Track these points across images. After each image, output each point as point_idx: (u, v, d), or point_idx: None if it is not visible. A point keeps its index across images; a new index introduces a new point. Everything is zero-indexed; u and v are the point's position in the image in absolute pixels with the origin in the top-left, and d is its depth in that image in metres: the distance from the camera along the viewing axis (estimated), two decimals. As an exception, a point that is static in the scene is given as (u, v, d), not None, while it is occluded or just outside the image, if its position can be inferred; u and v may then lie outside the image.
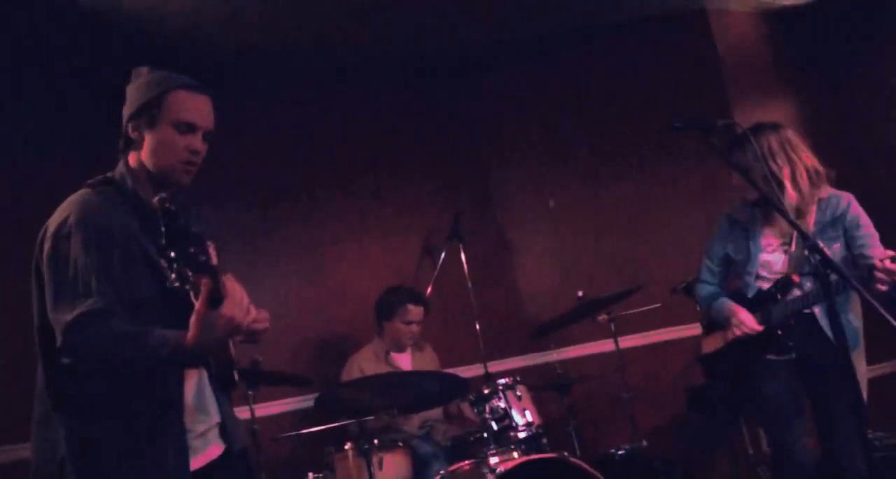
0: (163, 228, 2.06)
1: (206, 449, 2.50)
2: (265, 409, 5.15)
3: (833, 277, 3.06)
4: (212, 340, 2.20)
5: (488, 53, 6.25)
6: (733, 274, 4.02)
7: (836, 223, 3.68)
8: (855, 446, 3.60)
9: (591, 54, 6.25)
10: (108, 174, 2.51)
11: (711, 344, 4.05)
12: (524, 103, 6.30)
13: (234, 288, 2.22)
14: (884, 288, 3.30)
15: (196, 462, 2.43)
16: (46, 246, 2.34)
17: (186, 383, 2.45)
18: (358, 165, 6.05)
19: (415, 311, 5.14)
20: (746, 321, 3.72)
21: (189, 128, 2.49)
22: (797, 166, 3.65)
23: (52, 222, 2.37)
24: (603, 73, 6.23)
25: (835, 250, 3.63)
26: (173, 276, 2.08)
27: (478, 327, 5.37)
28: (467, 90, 6.31)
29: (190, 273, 2.08)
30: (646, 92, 6.09)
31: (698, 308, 4.27)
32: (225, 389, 2.60)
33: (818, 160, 3.72)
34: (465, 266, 5.54)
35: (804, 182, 3.65)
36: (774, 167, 3.64)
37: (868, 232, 3.68)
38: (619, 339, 5.17)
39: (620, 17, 6.10)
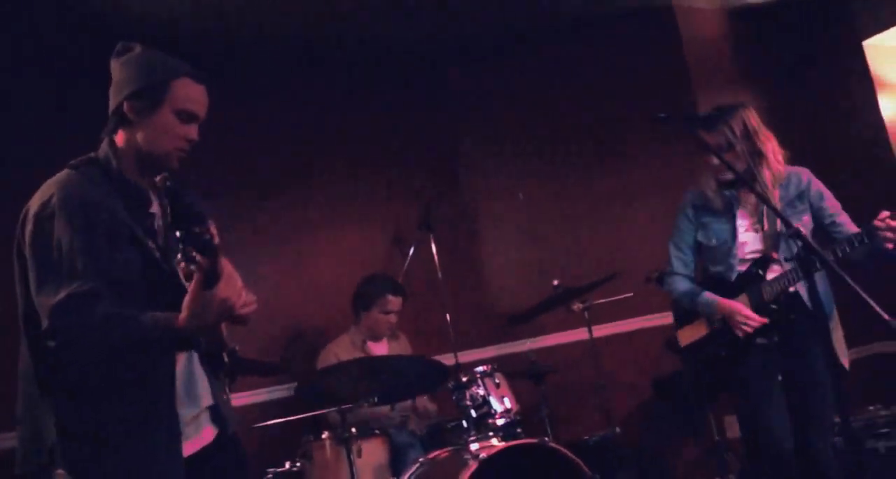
0: (168, 208, 2.07)
1: (199, 434, 2.48)
2: (240, 399, 5.12)
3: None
4: (204, 322, 2.19)
5: (459, 46, 6.28)
6: (706, 260, 4.02)
7: (802, 197, 3.78)
8: (827, 428, 3.69)
9: (561, 47, 6.32)
10: (92, 155, 2.47)
11: (690, 335, 4.01)
12: (494, 95, 6.37)
13: (229, 270, 2.21)
14: (892, 246, 3.39)
15: (189, 448, 2.41)
16: (29, 227, 2.30)
17: (176, 368, 2.43)
18: (330, 156, 6.07)
19: (394, 301, 5.17)
20: (751, 316, 3.68)
21: (191, 117, 2.49)
22: (774, 142, 3.75)
23: (34, 203, 2.33)
24: (572, 66, 6.30)
25: (805, 223, 3.72)
26: (179, 256, 2.09)
27: (448, 317, 5.36)
28: (438, 82, 6.38)
29: (195, 253, 2.08)
30: (614, 85, 6.17)
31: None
32: (215, 371, 2.58)
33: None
34: (436, 256, 5.53)
35: (781, 157, 3.75)
36: (758, 142, 3.70)
37: (833, 202, 3.82)
38: (592, 328, 5.21)
39: (589, 12, 6.15)
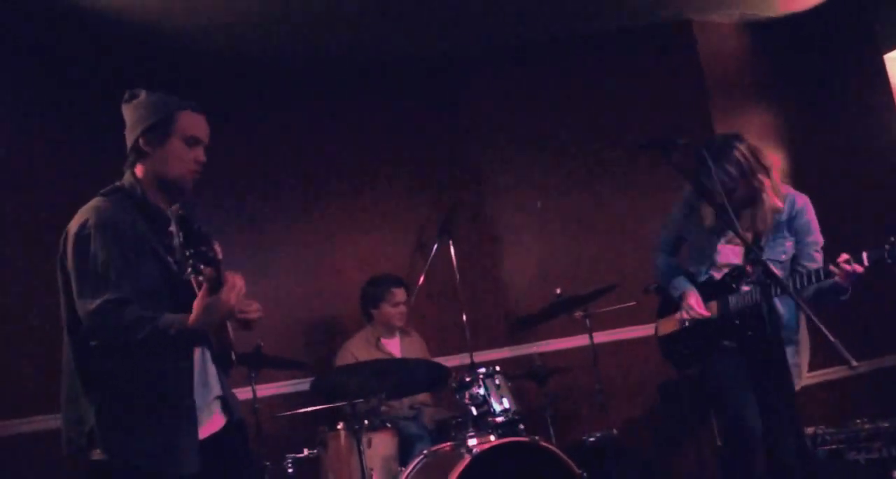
0: (180, 232, 2.50)
1: (210, 421, 2.91)
2: (265, 390, 5.46)
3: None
4: (210, 320, 2.63)
5: (481, 57, 6.52)
6: (688, 256, 4.20)
7: (791, 223, 3.88)
8: (787, 429, 3.81)
9: (580, 61, 6.49)
10: (118, 184, 2.92)
11: (667, 326, 4.24)
12: (515, 107, 6.51)
13: (233, 278, 2.65)
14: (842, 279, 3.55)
15: (203, 432, 2.84)
16: (70, 245, 2.74)
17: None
18: (356, 161, 6.33)
19: (398, 292, 5.53)
20: (696, 306, 3.94)
21: (196, 142, 2.93)
22: (771, 173, 3.86)
23: (73, 226, 2.77)
24: (590, 81, 6.47)
25: (787, 248, 3.89)
26: (189, 269, 2.52)
27: (465, 318, 5.61)
28: (462, 92, 6.55)
29: (201, 266, 2.52)
30: (630, 100, 6.33)
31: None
32: (224, 368, 3.01)
33: (769, 153, 3.96)
34: (455, 260, 5.76)
35: (778, 184, 3.88)
36: (755, 181, 3.81)
37: (814, 239, 3.91)
38: (595, 335, 5.43)
39: (609, 25, 6.35)
